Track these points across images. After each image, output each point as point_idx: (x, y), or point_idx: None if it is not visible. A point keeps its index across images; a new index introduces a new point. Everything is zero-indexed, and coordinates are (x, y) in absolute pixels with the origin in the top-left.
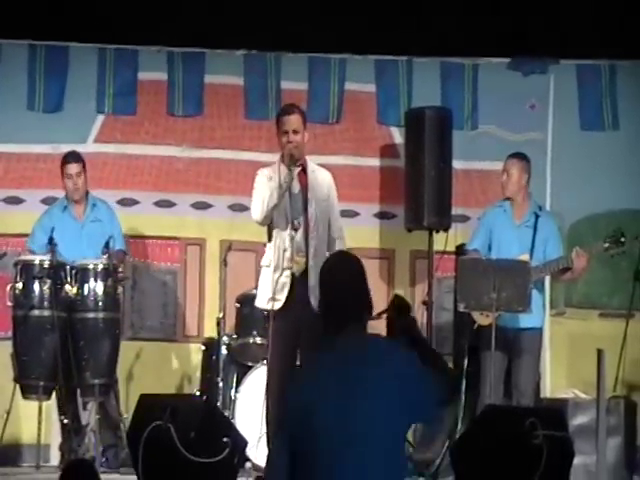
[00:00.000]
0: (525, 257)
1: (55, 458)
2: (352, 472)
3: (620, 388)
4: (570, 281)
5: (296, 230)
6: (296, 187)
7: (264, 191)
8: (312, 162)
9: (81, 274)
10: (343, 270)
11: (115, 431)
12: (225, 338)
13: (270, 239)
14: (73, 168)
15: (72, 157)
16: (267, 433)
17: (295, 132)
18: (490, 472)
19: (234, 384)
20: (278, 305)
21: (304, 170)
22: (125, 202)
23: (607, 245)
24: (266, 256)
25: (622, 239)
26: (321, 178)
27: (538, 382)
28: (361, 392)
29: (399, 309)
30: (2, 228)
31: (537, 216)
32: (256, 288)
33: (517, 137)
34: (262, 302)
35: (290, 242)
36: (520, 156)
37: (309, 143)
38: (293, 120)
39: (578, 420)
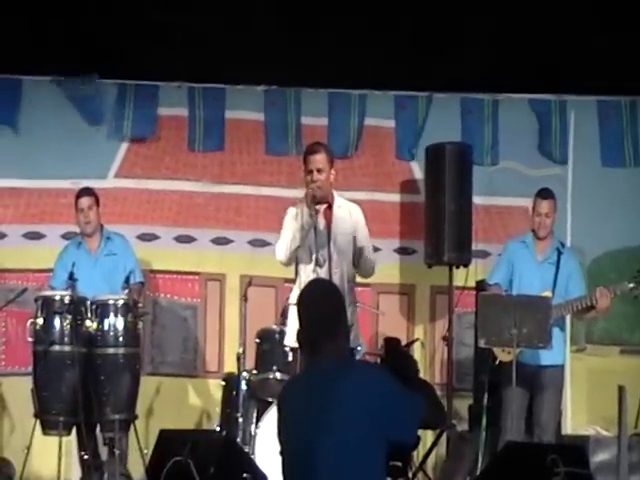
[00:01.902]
0: (548, 294)
1: None
2: None
3: None
4: (592, 320)
5: (320, 266)
6: (321, 223)
7: (289, 232)
8: (340, 197)
9: (101, 309)
10: (314, 296)
11: (122, 463)
12: (245, 373)
13: (297, 276)
14: (84, 202)
15: (84, 191)
16: None
17: (319, 171)
18: None
19: (254, 420)
20: None
21: (330, 206)
22: (145, 237)
23: (632, 286)
24: (293, 293)
25: None
26: (347, 212)
27: (559, 419)
28: (329, 419)
29: (388, 349)
30: (23, 263)
31: (560, 253)
32: (276, 324)
33: (537, 173)
34: (291, 340)
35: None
36: (553, 194)
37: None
38: (318, 159)
39: (599, 457)
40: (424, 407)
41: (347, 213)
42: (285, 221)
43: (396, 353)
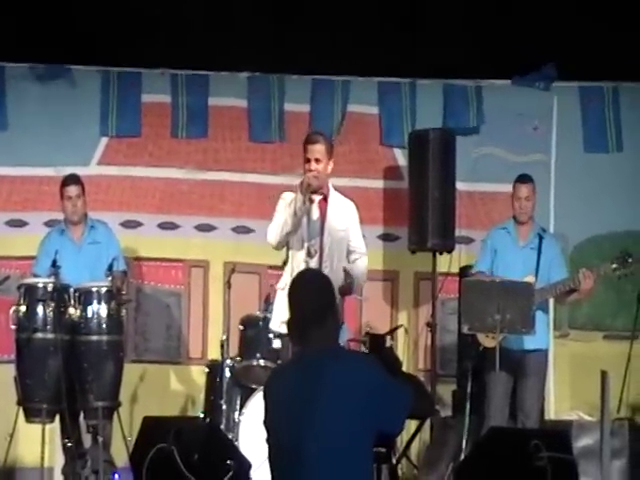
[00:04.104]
0: (531, 279)
1: None
2: None
3: (624, 410)
4: (575, 303)
5: (311, 257)
6: (315, 214)
7: (281, 217)
8: (336, 192)
9: (84, 297)
10: (305, 286)
11: (105, 450)
12: (229, 360)
13: (287, 262)
14: (73, 190)
15: (72, 179)
16: None
17: (317, 161)
18: None
19: (238, 406)
20: None
21: (325, 198)
22: (129, 224)
23: (615, 266)
24: (282, 279)
25: (629, 260)
26: (341, 208)
27: (542, 404)
28: (318, 407)
29: (372, 345)
30: (5, 251)
31: (541, 237)
32: (260, 311)
33: (521, 159)
34: (275, 324)
35: (305, 267)
36: (532, 179)
37: None
38: (317, 149)
39: (582, 442)
40: (412, 397)
41: (342, 208)
42: (279, 205)
43: (380, 350)
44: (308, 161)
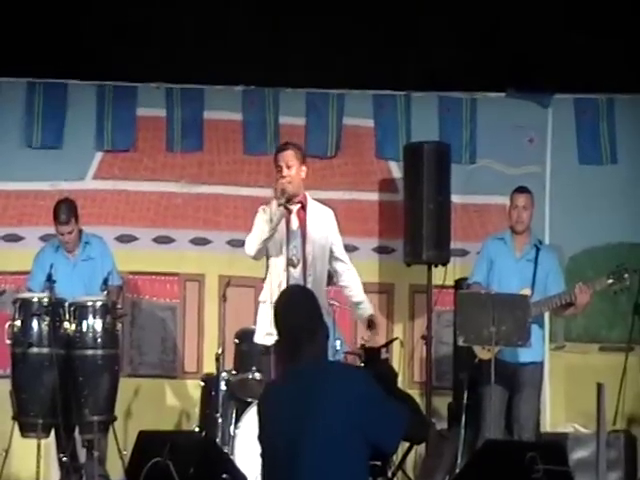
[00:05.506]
0: (527, 291)
1: None
2: None
3: (620, 422)
4: (571, 316)
5: (294, 267)
6: (295, 223)
7: (258, 228)
8: (313, 200)
9: (79, 311)
10: (290, 303)
11: (101, 465)
12: (224, 374)
13: (267, 274)
14: (64, 229)
15: (63, 216)
16: None
17: (288, 167)
18: None
19: (233, 420)
20: (273, 339)
21: (303, 207)
22: (124, 238)
23: (611, 281)
24: (264, 292)
25: (625, 275)
26: (320, 215)
27: (538, 416)
28: (312, 422)
29: (368, 358)
30: (1, 265)
31: (538, 249)
32: (255, 324)
33: (515, 171)
34: (260, 337)
35: (287, 278)
36: (529, 190)
37: (308, 178)
38: (286, 154)
39: (578, 454)
40: (407, 417)
41: (320, 216)
42: (257, 218)
43: (376, 363)
44: (279, 168)
